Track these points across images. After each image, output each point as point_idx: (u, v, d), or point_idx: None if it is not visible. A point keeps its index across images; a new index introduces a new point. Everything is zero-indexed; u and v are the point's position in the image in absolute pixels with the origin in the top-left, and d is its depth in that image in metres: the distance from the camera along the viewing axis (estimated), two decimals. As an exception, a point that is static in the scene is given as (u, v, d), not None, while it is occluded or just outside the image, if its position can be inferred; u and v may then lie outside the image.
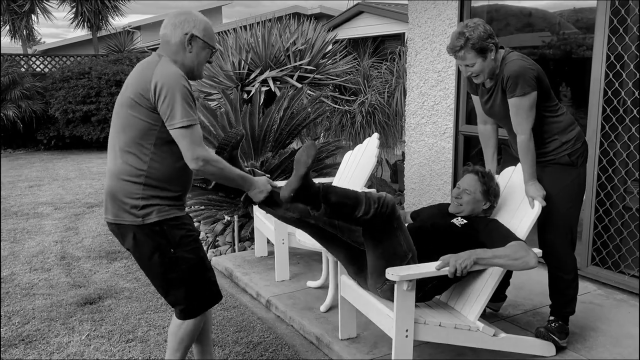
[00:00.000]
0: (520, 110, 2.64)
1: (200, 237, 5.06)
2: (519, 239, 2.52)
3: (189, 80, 2.20)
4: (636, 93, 3.40)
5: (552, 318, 2.88)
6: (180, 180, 2.23)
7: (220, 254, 4.62)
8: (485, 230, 2.63)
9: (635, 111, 3.42)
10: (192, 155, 2.09)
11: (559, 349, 2.80)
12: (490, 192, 2.78)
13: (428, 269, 2.40)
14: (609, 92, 3.50)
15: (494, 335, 2.58)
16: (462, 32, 2.62)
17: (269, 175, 2.43)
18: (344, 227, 2.59)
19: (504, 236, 2.55)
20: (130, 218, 2.17)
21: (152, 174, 2.15)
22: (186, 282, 2.25)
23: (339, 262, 3.00)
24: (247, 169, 2.46)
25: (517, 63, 2.62)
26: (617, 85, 3.48)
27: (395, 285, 2.32)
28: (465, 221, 2.72)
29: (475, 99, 2.99)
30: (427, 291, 2.62)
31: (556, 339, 2.79)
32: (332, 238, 2.62)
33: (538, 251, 2.59)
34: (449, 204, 2.91)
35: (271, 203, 2.48)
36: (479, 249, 2.46)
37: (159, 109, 2.08)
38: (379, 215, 2.36)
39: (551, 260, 2.85)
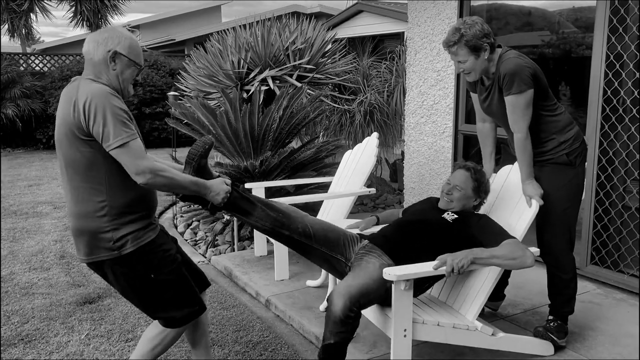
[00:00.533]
0: (517, 108, 2.64)
1: (199, 237, 5.07)
2: (512, 237, 2.52)
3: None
4: (635, 92, 3.40)
5: (551, 317, 2.88)
6: (144, 200, 2.18)
7: (220, 253, 4.62)
8: (477, 226, 2.62)
9: (634, 110, 3.42)
10: (135, 169, 2.01)
11: (558, 348, 2.80)
12: (481, 188, 2.77)
13: (425, 268, 2.39)
14: (609, 92, 3.50)
15: (492, 334, 2.58)
16: (459, 28, 2.63)
17: (225, 177, 2.37)
18: (320, 238, 2.59)
19: (497, 233, 2.55)
20: (105, 253, 2.12)
21: (113, 202, 2.09)
22: (170, 302, 2.25)
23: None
24: (216, 174, 2.41)
25: (513, 61, 2.63)
26: (616, 84, 3.48)
27: (393, 285, 2.31)
28: (456, 216, 2.72)
29: (475, 97, 2.99)
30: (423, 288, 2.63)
31: (555, 338, 2.79)
32: (309, 249, 2.61)
33: (535, 250, 2.59)
34: (438, 198, 2.90)
35: (238, 209, 2.46)
36: (477, 248, 2.45)
37: (92, 133, 2.00)
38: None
39: (549, 260, 2.86)
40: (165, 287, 2.22)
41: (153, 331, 2.31)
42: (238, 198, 2.45)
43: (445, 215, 2.73)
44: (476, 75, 2.72)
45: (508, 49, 2.73)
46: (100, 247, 2.12)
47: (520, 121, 2.65)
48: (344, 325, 2.34)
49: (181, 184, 2.17)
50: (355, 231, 2.95)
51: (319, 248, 2.60)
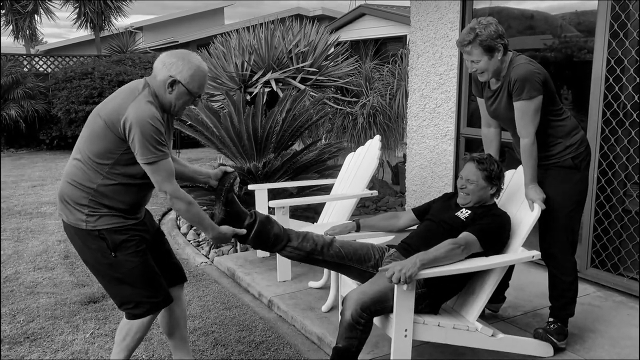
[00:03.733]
0: (526, 113, 2.67)
1: (202, 238, 5.10)
2: (471, 234, 2.56)
3: (164, 115, 2.27)
4: (636, 97, 3.43)
5: (551, 319, 2.91)
6: (127, 198, 2.29)
7: (223, 254, 4.65)
8: (479, 221, 2.66)
9: (634, 115, 3.45)
10: (158, 188, 2.20)
11: (558, 350, 2.83)
12: (493, 175, 2.75)
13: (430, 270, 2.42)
14: (609, 96, 3.53)
15: (492, 335, 2.61)
16: (474, 27, 2.66)
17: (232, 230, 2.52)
18: (351, 256, 2.73)
19: (476, 230, 2.59)
20: (74, 220, 2.27)
21: (100, 189, 2.24)
22: (129, 284, 2.32)
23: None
24: (249, 213, 2.59)
25: (524, 67, 2.66)
26: (617, 89, 3.51)
27: (395, 287, 2.34)
28: (469, 212, 2.75)
29: (480, 102, 3.02)
30: (433, 302, 2.65)
31: (554, 340, 2.82)
32: (343, 267, 2.76)
33: (537, 253, 2.62)
34: (452, 193, 2.93)
35: (264, 246, 2.68)
36: (422, 252, 2.44)
37: (128, 142, 2.17)
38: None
39: (551, 263, 2.88)
40: (125, 268, 2.29)
41: (120, 325, 2.43)
42: (263, 234, 2.61)
43: (458, 213, 2.76)
44: (489, 75, 2.74)
45: (518, 53, 2.77)
46: (72, 213, 2.27)
47: (529, 126, 2.68)
48: (352, 331, 2.38)
49: (195, 218, 2.31)
50: (341, 235, 2.99)
51: (351, 265, 2.74)
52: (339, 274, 3.01)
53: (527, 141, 2.70)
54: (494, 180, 2.77)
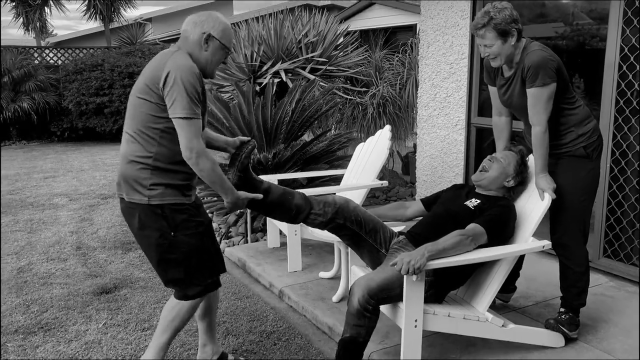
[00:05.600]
0: (539, 101, 2.64)
1: (214, 229, 5.13)
2: (479, 226, 2.55)
3: (203, 77, 2.30)
4: (650, 85, 3.38)
5: (562, 310, 2.89)
6: (181, 171, 2.31)
7: (233, 245, 4.67)
8: (488, 212, 2.66)
9: (648, 103, 3.40)
10: (187, 144, 2.19)
11: (569, 340, 2.82)
12: (523, 169, 2.82)
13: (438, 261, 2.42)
14: (622, 84, 3.49)
15: (502, 325, 2.61)
16: (488, 11, 2.64)
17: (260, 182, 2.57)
18: (368, 228, 2.72)
19: (484, 221, 2.59)
20: (137, 197, 2.29)
21: (159, 158, 2.27)
22: (184, 265, 2.35)
23: (349, 253, 3.04)
24: (262, 181, 2.61)
25: (538, 54, 2.63)
26: (630, 77, 3.46)
27: (405, 277, 2.34)
28: (478, 201, 2.74)
29: (492, 90, 3.00)
30: (438, 291, 2.65)
31: (566, 330, 2.81)
32: (359, 239, 2.74)
33: (547, 243, 2.61)
34: (462, 184, 2.93)
35: (291, 215, 2.69)
36: (430, 243, 2.43)
37: (165, 97, 2.19)
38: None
39: (563, 252, 2.87)
40: (183, 248, 2.32)
41: (168, 305, 2.45)
42: (285, 204, 2.65)
43: (467, 202, 2.76)
44: (501, 60, 2.71)
45: (532, 40, 2.74)
46: (135, 190, 2.29)
47: (541, 114, 2.66)
48: (360, 318, 2.38)
49: (217, 177, 2.28)
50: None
51: (367, 239, 2.73)
52: (349, 265, 3.02)
53: (538, 129, 2.67)
54: (518, 176, 2.80)
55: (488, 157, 2.86)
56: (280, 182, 4.43)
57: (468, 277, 2.72)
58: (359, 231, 2.71)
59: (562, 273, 2.91)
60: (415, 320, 2.42)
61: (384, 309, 2.62)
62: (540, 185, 2.72)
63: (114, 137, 11.53)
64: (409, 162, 7.01)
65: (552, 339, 2.78)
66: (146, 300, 3.59)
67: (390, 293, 2.44)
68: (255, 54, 6.04)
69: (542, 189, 2.70)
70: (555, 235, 2.85)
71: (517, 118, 2.97)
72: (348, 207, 2.70)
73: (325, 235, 3.41)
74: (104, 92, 11.07)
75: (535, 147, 2.72)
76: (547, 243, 2.61)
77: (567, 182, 2.75)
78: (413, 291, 2.37)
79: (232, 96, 6.03)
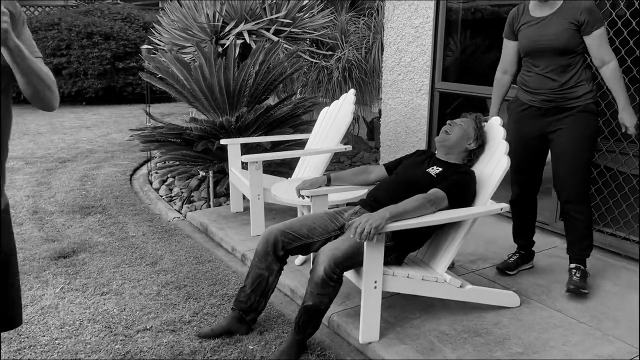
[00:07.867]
0: (604, 39, 2.78)
1: (175, 193, 5.06)
2: (440, 191, 2.59)
3: None
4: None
5: (573, 266, 3.02)
6: None
7: (195, 209, 4.62)
8: (449, 178, 2.69)
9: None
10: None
11: (581, 295, 2.95)
12: (481, 132, 2.86)
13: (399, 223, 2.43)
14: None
15: (460, 286, 2.66)
16: None
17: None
18: (313, 234, 2.72)
19: (445, 186, 2.62)
20: None
21: None
22: None
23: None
24: None
25: None
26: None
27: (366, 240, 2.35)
28: (440, 169, 2.76)
29: (509, 45, 3.06)
30: (399, 254, 2.67)
31: (585, 291, 2.94)
32: (312, 246, 2.72)
33: (505, 206, 2.66)
34: (424, 150, 2.95)
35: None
36: (392, 205, 2.46)
37: None
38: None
39: (575, 208, 2.96)
40: None
41: None
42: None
43: (429, 169, 2.77)
44: None
45: None
46: None
47: (610, 49, 2.80)
48: (324, 287, 2.39)
49: None
50: (306, 192, 2.98)
51: (318, 240, 2.69)
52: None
53: (614, 64, 2.78)
54: (479, 138, 2.84)
55: (448, 121, 2.88)
56: (244, 146, 4.37)
57: (427, 238, 2.75)
58: (305, 241, 2.69)
59: (570, 228, 3.02)
60: (375, 282, 2.44)
61: (346, 273, 2.64)
62: (624, 120, 2.80)
63: (74, 99, 11.15)
64: (374, 128, 7.00)
65: (507, 299, 2.85)
66: (105, 265, 3.53)
67: (354, 260, 2.45)
68: (217, 14, 5.86)
69: (625, 125, 2.80)
70: (564, 191, 2.95)
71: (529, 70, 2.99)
72: (270, 245, 2.66)
73: (288, 199, 3.40)
74: (61, 52, 10.64)
75: (616, 81, 2.79)
76: (505, 205, 2.66)
77: (578, 138, 2.86)
78: (373, 252, 2.39)
79: (193, 57, 5.87)
